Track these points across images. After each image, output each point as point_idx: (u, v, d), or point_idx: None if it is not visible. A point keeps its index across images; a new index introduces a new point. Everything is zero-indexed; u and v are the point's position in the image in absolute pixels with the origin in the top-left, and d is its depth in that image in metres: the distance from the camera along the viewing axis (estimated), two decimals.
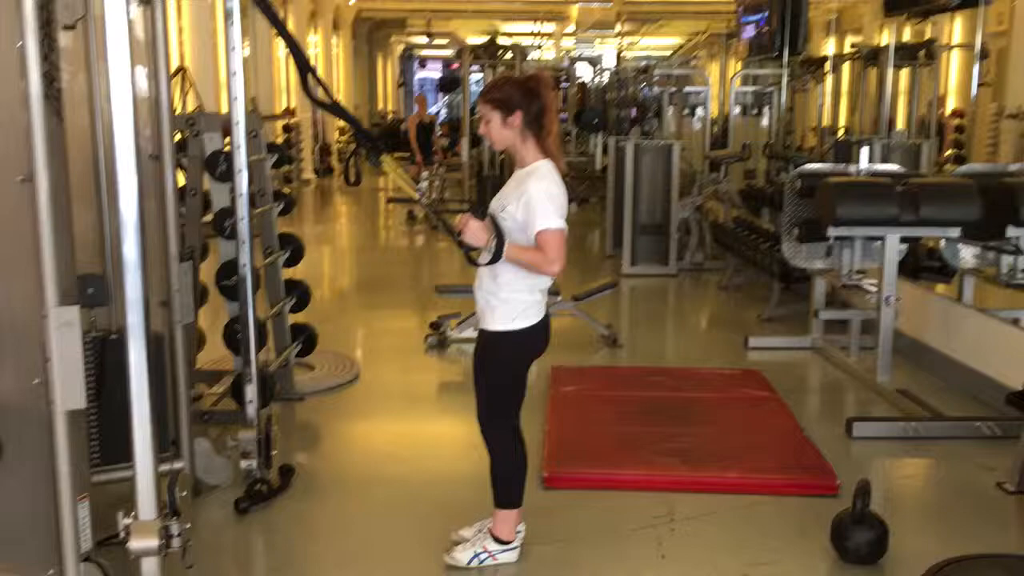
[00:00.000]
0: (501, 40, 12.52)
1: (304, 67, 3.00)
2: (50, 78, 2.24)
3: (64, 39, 2.57)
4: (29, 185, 2.27)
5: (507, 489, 3.23)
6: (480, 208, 2.96)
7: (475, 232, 2.91)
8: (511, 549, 3.24)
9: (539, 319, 3.10)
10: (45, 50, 2.22)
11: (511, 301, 3.04)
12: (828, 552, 3.30)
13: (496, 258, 2.90)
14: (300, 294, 5.07)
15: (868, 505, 3.23)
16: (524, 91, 3.01)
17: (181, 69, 6.18)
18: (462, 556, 3.23)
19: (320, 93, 3.08)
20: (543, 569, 3.25)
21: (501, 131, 3.02)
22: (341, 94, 20.69)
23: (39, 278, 2.30)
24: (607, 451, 4.18)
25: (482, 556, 3.22)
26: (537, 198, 2.94)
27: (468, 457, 4.28)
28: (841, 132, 10.49)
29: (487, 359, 3.17)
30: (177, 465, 3.34)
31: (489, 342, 3.12)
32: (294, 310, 5.05)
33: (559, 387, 5.09)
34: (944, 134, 9.59)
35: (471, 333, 6.05)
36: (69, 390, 2.33)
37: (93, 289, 3.01)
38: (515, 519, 3.26)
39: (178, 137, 4.18)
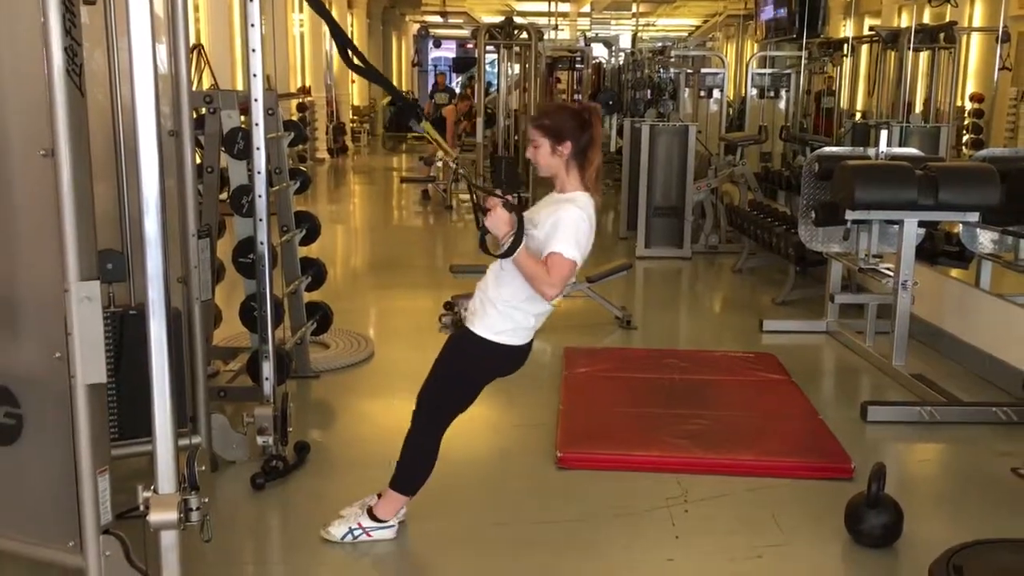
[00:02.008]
0: (516, 20, 12.44)
1: (342, 40, 3.00)
2: (72, 53, 2.24)
3: (83, 15, 2.57)
4: (51, 160, 2.28)
5: (410, 475, 3.21)
6: (511, 202, 2.91)
7: (499, 220, 2.86)
8: (387, 527, 3.24)
9: (522, 343, 3.08)
10: (67, 25, 2.22)
11: (505, 315, 3.01)
12: (842, 535, 3.31)
13: (508, 254, 2.87)
14: (316, 272, 5.08)
15: (883, 489, 3.23)
16: (577, 122, 2.98)
17: (198, 46, 6.18)
18: (336, 531, 3.23)
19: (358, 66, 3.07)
20: (555, 549, 3.27)
21: (549, 158, 2.99)
22: (353, 73, 20.67)
23: (61, 252, 2.31)
24: (621, 432, 4.19)
25: (356, 532, 3.22)
26: (566, 224, 2.90)
27: (481, 436, 4.32)
28: (859, 115, 10.42)
29: (455, 353, 3.15)
30: (195, 440, 3.37)
31: (465, 340, 3.08)
32: (309, 288, 5.06)
33: (572, 368, 5.10)
34: (962, 118, 9.51)
35: None
36: (90, 364, 2.35)
37: (112, 265, 3.03)
38: (400, 504, 3.25)
39: (194, 115, 4.18)
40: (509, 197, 2.93)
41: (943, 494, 3.93)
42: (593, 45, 18.10)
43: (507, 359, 3.10)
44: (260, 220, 3.72)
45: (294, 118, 14.48)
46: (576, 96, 20.01)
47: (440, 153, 12.16)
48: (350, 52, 2.98)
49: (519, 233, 2.85)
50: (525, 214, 2.99)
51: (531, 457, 4.00)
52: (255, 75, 3.54)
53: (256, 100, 3.57)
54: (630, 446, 4.03)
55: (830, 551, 3.28)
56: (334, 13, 18.00)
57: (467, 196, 12.15)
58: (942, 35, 8.75)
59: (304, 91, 16.19)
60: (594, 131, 3.00)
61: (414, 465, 3.22)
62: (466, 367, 3.14)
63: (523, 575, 3.13)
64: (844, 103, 10.52)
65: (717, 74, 11.69)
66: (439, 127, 12.52)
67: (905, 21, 10.50)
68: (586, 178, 3.01)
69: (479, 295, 3.08)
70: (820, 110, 10.84)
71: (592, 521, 3.44)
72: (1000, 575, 2.71)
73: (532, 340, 3.12)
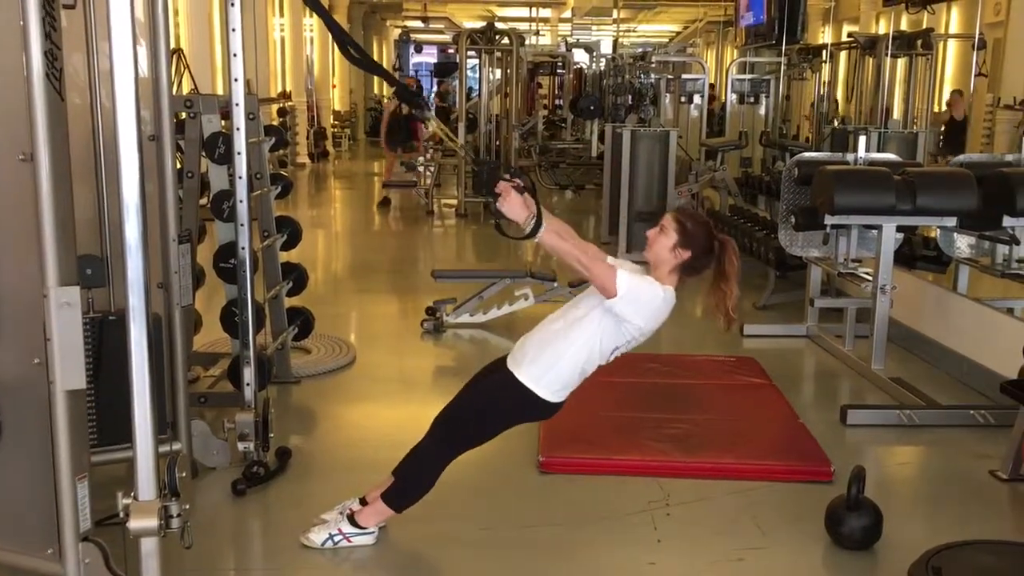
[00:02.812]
0: (498, 25, 12.46)
1: (340, 35, 2.99)
2: (52, 57, 2.23)
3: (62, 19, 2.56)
4: (30, 164, 2.27)
5: (403, 494, 3.21)
6: (522, 182, 2.86)
7: (514, 205, 2.80)
8: (367, 533, 3.23)
9: (558, 401, 3.07)
10: (47, 28, 2.21)
11: (558, 369, 3.00)
12: (822, 537, 3.33)
13: (532, 235, 2.81)
14: (297, 277, 5.06)
15: (862, 491, 3.25)
16: (708, 243, 3.01)
17: (178, 50, 6.16)
18: (316, 537, 3.22)
19: (356, 61, 3.06)
20: (538, 552, 3.27)
21: (666, 252, 3.00)
22: (336, 77, 20.65)
23: (40, 257, 2.30)
24: (603, 436, 4.20)
25: (336, 538, 3.21)
26: (645, 288, 2.92)
27: None
28: (837, 121, 10.49)
29: (489, 390, 3.13)
30: (176, 446, 3.35)
31: (504, 380, 3.05)
32: (291, 293, 5.05)
33: None
34: (939, 124, 9.60)
35: (467, 318, 6.06)
36: (69, 370, 2.33)
37: (91, 270, 3.01)
38: (386, 516, 3.25)
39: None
40: (518, 180, 2.86)
41: (922, 496, 3.97)
42: (574, 50, 18.13)
43: (538, 411, 3.10)
44: (241, 225, 3.71)
45: (275, 123, 14.45)
46: (558, 102, 20.09)
47: (421, 158, 12.16)
48: (349, 47, 2.98)
49: (539, 213, 2.81)
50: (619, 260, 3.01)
51: (513, 461, 4.00)
52: (236, 79, 3.53)
53: (237, 104, 3.55)
54: (612, 450, 4.04)
55: (810, 553, 3.30)
56: (312, 19, 17.92)
57: (449, 201, 12.17)
58: (919, 42, 8.84)
59: (285, 96, 16.15)
60: (725, 264, 3.02)
61: (413, 484, 3.20)
62: (497, 410, 3.13)
63: None
64: (823, 109, 10.59)
65: (697, 80, 11.74)
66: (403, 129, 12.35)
67: (883, 28, 10.59)
68: (678, 281, 3.04)
69: (540, 346, 3.03)
70: (819, 116, 10.78)
71: (574, 525, 3.45)
72: None
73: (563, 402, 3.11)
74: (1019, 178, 4.85)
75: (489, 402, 3.14)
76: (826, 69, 10.34)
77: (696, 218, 3.12)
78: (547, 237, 2.83)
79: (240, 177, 3.66)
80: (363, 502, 3.28)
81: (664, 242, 3.01)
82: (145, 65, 3.28)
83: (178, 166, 3.73)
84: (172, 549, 2.44)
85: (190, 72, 10.22)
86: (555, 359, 3.00)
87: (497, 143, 12.01)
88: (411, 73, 28.79)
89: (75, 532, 2.45)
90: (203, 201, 4.70)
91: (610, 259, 3.01)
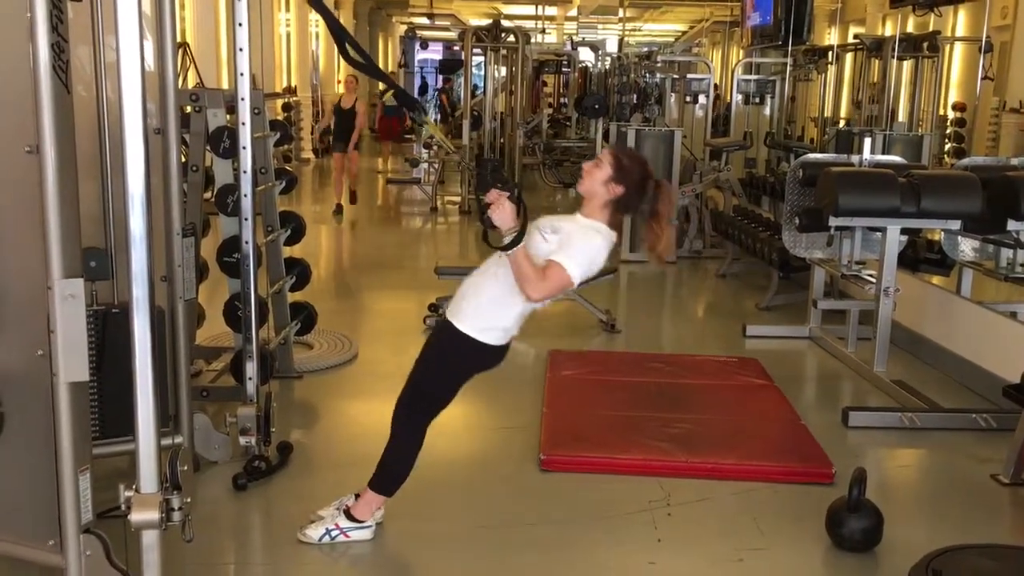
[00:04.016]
0: (504, 23, 12.44)
1: (340, 35, 2.99)
2: (59, 49, 2.23)
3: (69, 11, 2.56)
4: (36, 156, 2.27)
5: (390, 478, 3.22)
6: (516, 194, 2.90)
7: (505, 214, 2.85)
8: (364, 527, 3.24)
9: (503, 344, 3.10)
10: (54, 21, 2.21)
11: (496, 317, 3.03)
12: (823, 539, 3.33)
13: (510, 247, 2.85)
14: (300, 272, 5.07)
15: (863, 493, 3.25)
16: (642, 180, 3.04)
17: (183, 44, 6.16)
18: (313, 533, 3.24)
19: (357, 61, 3.08)
20: (538, 551, 3.27)
21: (598, 184, 3.02)
22: (340, 73, 20.63)
23: (44, 249, 2.30)
24: (604, 435, 4.20)
25: (333, 533, 3.23)
26: (584, 246, 2.94)
27: (465, 438, 4.32)
28: (843, 123, 10.48)
29: (436, 349, 3.15)
30: (177, 440, 3.35)
31: (449, 337, 3.07)
32: (294, 289, 5.05)
33: (557, 371, 5.11)
34: (944, 127, 9.59)
35: None
36: (72, 362, 2.33)
37: (95, 262, 3.01)
38: (378, 505, 3.26)
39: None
40: (511, 192, 2.91)
41: (923, 499, 3.96)
42: (580, 49, 18.10)
43: (491, 357, 3.11)
44: (245, 219, 3.72)
45: (279, 118, 14.46)
46: (563, 100, 20.07)
47: (426, 155, 12.15)
48: (349, 47, 2.98)
49: (523, 230, 2.86)
50: (545, 219, 3.03)
51: (514, 459, 4.01)
52: (242, 74, 3.53)
53: (243, 99, 3.56)
54: (613, 449, 4.04)
55: (811, 555, 3.30)
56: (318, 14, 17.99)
57: (452, 199, 12.17)
58: (925, 44, 8.82)
59: (290, 91, 16.15)
60: (659, 205, 3.06)
61: (394, 466, 3.22)
62: (450, 368, 3.14)
63: None
64: (828, 111, 10.58)
65: (703, 80, 11.72)
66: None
67: (889, 30, 10.57)
68: (616, 222, 3.06)
69: (472, 287, 3.08)
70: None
71: (575, 524, 3.45)
72: None
73: (511, 342, 3.14)
74: None
75: (439, 360, 3.15)
76: (832, 70, 10.32)
77: (633, 156, 3.15)
78: (520, 254, 2.87)
79: (245, 171, 3.67)
80: (358, 497, 3.29)
81: (598, 175, 3.03)
82: (151, 59, 3.29)
83: (183, 160, 3.73)
84: (173, 542, 2.44)
85: (195, 66, 10.23)
86: (486, 302, 3.02)
87: (501, 141, 12.00)
88: (416, 70, 28.77)
89: (76, 524, 2.45)
90: (207, 195, 4.71)
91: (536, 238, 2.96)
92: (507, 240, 2.86)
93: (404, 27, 27.69)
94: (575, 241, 2.94)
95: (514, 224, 2.86)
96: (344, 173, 11.04)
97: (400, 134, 17.69)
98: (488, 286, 3.03)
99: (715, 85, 12.77)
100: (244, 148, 3.62)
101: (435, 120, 20.02)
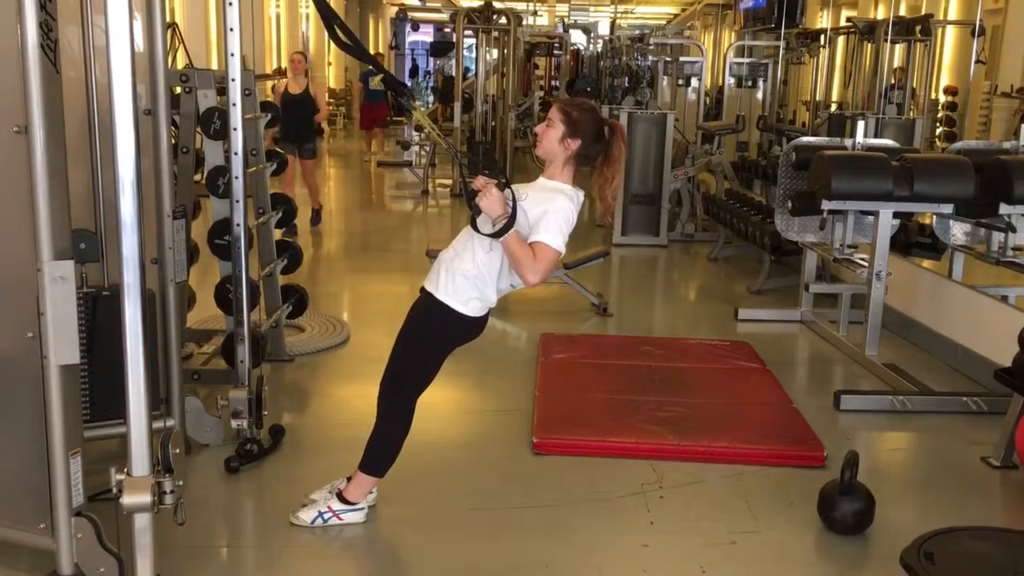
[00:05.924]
0: (495, 5, 12.37)
1: (329, 17, 2.96)
2: (47, 28, 2.20)
3: None
4: (24, 136, 2.25)
5: (380, 458, 3.22)
6: (504, 181, 2.91)
7: (494, 201, 2.86)
8: (357, 510, 3.25)
9: (483, 315, 3.10)
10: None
11: (474, 286, 3.01)
12: (815, 522, 3.34)
13: (500, 234, 2.85)
14: (291, 255, 5.04)
15: (855, 476, 3.26)
16: (597, 128, 3.01)
17: (172, 25, 6.10)
18: (306, 516, 3.23)
19: (347, 44, 3.02)
20: (531, 533, 3.27)
21: (555, 144, 3.00)
22: (331, 56, 20.53)
23: (34, 231, 2.28)
24: (597, 418, 4.20)
25: (326, 515, 3.22)
26: (558, 215, 2.92)
27: (457, 421, 4.31)
28: (835, 107, 10.47)
29: (418, 323, 3.13)
30: (169, 423, 3.34)
31: (431, 310, 3.06)
32: (285, 271, 5.03)
33: (549, 354, 5.10)
34: (936, 111, 9.59)
35: None
36: (63, 345, 2.32)
37: (85, 245, 2.99)
38: (370, 486, 3.26)
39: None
40: (499, 179, 2.92)
41: (914, 482, 3.98)
42: (572, 32, 18.03)
43: (468, 329, 3.11)
44: (237, 201, 3.69)
45: (270, 99, 14.37)
46: (554, 83, 20.01)
47: (417, 137, 12.09)
48: (337, 28, 2.94)
49: (513, 215, 2.85)
50: (512, 188, 3.00)
51: (507, 442, 4.00)
52: (233, 55, 3.49)
53: (234, 80, 3.52)
54: (606, 432, 4.04)
55: (803, 537, 3.31)
56: None
57: (443, 181, 12.14)
58: (918, 28, 8.81)
59: (280, 73, 16.05)
60: (612, 148, 3.02)
61: (383, 446, 3.21)
62: (429, 335, 3.12)
63: (497, 559, 3.13)
64: (820, 94, 10.57)
65: (695, 63, 11.69)
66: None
67: (882, 13, 10.55)
68: (570, 177, 3.03)
69: (450, 259, 3.05)
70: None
71: (567, 506, 3.45)
72: (970, 562, 2.74)
73: (489, 312, 3.13)
74: (1016, 165, 4.85)
75: (420, 332, 3.13)
76: (824, 54, 10.30)
77: (581, 105, 3.11)
78: (511, 239, 2.86)
79: (236, 153, 3.64)
80: (350, 480, 3.28)
81: (552, 135, 3.01)
82: (140, 39, 3.25)
83: (173, 141, 3.70)
84: (165, 525, 2.44)
85: (185, 47, 10.15)
86: (464, 274, 3.00)
87: (493, 123, 11.96)
88: (407, 52, 28.64)
89: (68, 507, 2.44)
90: (198, 177, 4.68)
91: (507, 193, 2.93)
92: (497, 228, 2.86)
93: (395, 8, 27.56)
94: (549, 212, 2.92)
95: (502, 211, 2.85)
96: (306, 178, 8.95)
97: (386, 120, 17.28)
98: (465, 257, 3.02)
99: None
100: (235, 129, 3.59)
101: (431, 103, 19.87)
